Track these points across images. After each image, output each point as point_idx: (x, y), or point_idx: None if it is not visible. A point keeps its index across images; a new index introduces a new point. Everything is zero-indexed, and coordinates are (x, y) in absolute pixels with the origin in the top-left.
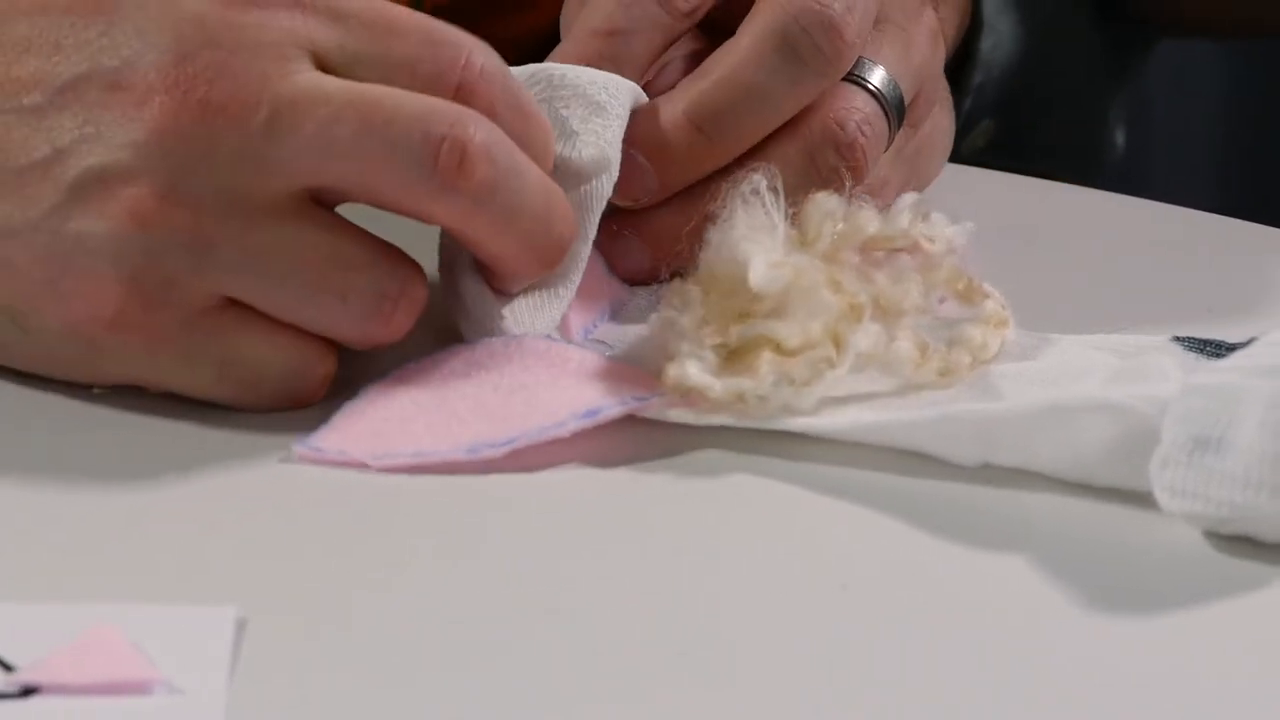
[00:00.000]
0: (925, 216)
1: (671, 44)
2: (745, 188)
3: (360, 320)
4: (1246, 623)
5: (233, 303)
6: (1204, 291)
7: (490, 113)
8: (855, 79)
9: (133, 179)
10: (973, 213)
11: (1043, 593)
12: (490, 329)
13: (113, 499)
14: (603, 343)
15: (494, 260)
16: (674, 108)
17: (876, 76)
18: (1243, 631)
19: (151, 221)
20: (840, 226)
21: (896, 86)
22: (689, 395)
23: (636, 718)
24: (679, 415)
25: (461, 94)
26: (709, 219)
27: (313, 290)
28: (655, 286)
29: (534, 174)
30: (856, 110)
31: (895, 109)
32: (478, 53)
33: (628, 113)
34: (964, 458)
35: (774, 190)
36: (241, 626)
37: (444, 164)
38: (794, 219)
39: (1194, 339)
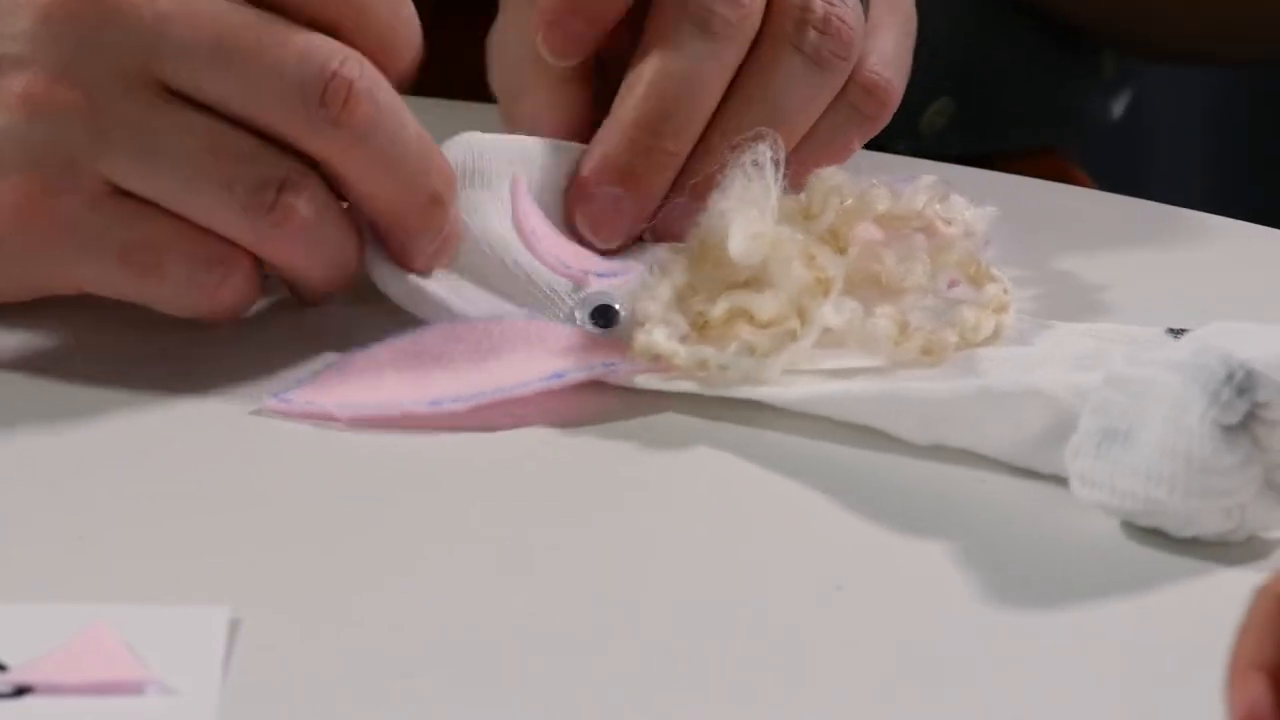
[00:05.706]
0: (943, 198)
1: None
2: (747, 158)
3: (243, 210)
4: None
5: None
6: (1197, 292)
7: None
8: None
9: (25, 66)
10: None
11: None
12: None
13: (106, 498)
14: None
15: (370, 205)
16: (620, 128)
17: None
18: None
19: (45, 104)
20: (848, 202)
21: None
22: (656, 361)
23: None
24: (645, 382)
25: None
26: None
27: (197, 176)
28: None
29: (414, 125)
30: None
31: None
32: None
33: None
34: (913, 436)
35: (776, 162)
36: (235, 626)
37: (330, 98)
38: (799, 189)
39: (1187, 332)
